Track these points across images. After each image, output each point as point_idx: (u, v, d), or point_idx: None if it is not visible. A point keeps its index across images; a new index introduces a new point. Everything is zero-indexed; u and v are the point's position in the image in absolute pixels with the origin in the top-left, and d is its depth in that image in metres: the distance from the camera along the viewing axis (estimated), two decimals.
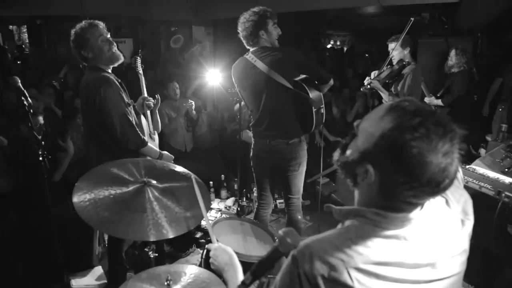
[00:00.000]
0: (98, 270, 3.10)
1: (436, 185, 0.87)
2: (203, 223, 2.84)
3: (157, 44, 10.68)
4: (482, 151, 4.30)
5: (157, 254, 2.07)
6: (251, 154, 3.03)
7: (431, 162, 0.84)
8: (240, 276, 1.30)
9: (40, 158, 2.45)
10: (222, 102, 5.69)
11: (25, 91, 2.27)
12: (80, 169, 3.48)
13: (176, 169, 1.90)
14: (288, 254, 0.94)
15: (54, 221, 2.69)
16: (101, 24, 2.44)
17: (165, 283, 1.51)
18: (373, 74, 4.13)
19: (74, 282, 2.92)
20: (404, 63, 3.94)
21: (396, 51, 3.91)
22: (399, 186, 0.89)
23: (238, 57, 2.90)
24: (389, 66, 4.02)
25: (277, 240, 0.96)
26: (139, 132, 2.48)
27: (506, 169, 2.97)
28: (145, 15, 8.50)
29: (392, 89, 4.01)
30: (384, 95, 3.98)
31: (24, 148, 3.19)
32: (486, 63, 5.67)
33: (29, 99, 2.40)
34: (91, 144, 2.51)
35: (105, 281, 2.98)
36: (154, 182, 1.74)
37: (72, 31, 2.41)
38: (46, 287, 2.92)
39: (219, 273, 1.39)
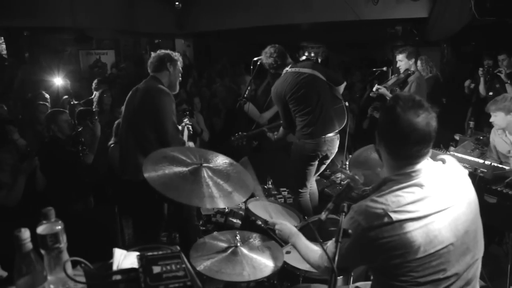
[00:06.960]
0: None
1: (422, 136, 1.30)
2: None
3: (140, 56, 10.88)
4: (452, 149, 4.85)
5: (204, 228, 2.39)
6: (300, 155, 3.27)
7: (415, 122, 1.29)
8: (304, 239, 1.73)
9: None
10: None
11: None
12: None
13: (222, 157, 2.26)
14: (358, 188, 1.36)
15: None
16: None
17: (235, 240, 1.89)
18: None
19: None
20: (409, 72, 4.35)
21: (402, 61, 4.34)
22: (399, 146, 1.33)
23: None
24: (396, 74, 4.45)
25: (348, 179, 1.38)
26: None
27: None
28: (131, 27, 8.75)
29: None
30: None
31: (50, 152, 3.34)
32: (451, 70, 6.39)
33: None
34: (131, 142, 2.86)
35: None
36: (210, 164, 2.10)
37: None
38: None
39: (284, 241, 1.90)
